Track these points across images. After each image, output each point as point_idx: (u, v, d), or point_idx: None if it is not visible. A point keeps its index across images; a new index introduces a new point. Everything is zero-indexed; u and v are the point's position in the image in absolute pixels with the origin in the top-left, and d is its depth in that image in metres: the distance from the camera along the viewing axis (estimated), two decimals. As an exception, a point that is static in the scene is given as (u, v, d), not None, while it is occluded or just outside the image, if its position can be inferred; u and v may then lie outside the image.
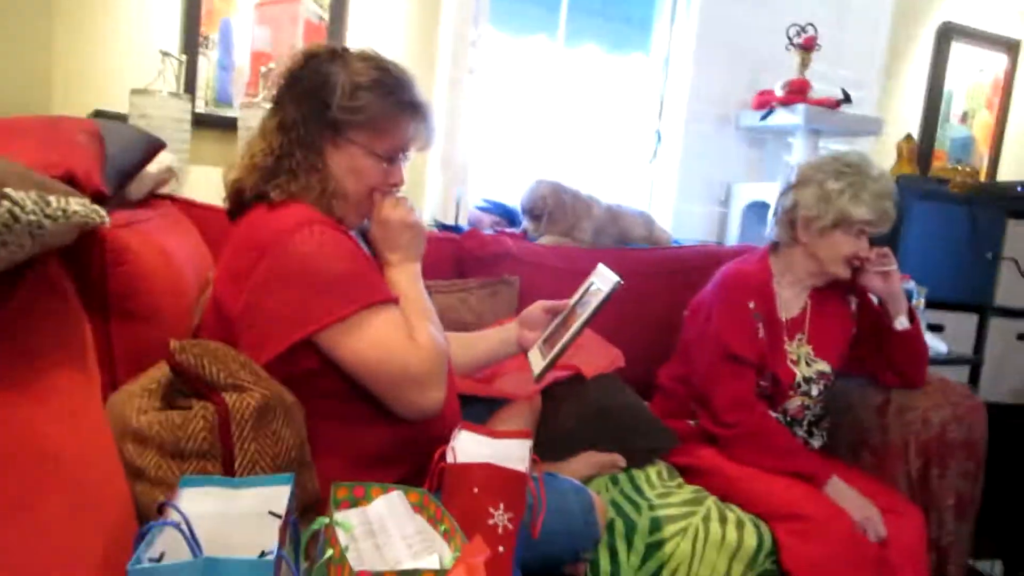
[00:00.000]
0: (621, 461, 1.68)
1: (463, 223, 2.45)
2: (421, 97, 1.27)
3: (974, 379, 2.87)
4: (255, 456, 0.97)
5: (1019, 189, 2.87)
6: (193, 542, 0.72)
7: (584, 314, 1.35)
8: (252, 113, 2.11)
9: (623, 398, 1.81)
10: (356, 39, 2.38)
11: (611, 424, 1.72)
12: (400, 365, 1.13)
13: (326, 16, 2.35)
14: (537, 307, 1.49)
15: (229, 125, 2.21)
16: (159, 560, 0.70)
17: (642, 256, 2.30)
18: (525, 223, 2.32)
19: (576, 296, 1.43)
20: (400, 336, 1.15)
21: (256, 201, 1.22)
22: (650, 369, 2.04)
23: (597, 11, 2.78)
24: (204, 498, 0.82)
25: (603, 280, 1.37)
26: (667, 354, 2.01)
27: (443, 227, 2.37)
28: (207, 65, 2.23)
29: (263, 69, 2.25)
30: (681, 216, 2.83)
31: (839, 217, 1.73)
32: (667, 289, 2.22)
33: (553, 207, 2.27)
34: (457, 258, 2.14)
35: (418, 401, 1.16)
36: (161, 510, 0.76)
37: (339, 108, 1.19)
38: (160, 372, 1.05)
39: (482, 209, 2.55)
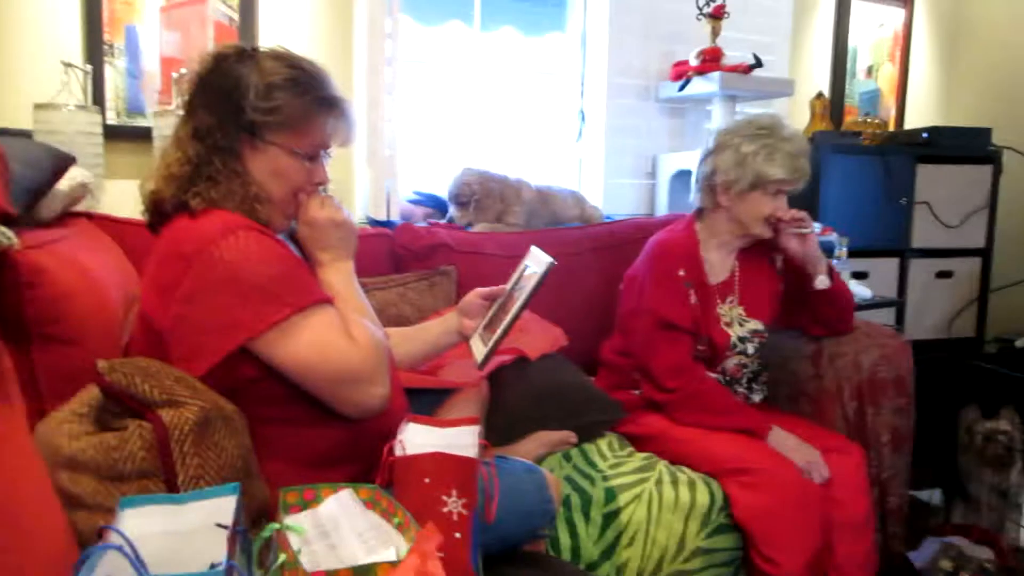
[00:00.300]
0: (572, 437, 1.71)
1: (395, 217, 2.44)
2: (337, 92, 1.25)
3: (899, 319, 3.00)
4: (198, 471, 0.95)
5: (924, 136, 3.00)
6: (138, 563, 0.71)
7: (521, 297, 1.36)
8: (167, 122, 2.05)
9: (568, 376, 1.83)
10: (268, 38, 2.33)
11: (558, 402, 1.74)
12: (340, 365, 1.12)
13: (236, 16, 2.29)
14: (475, 294, 1.49)
15: (144, 135, 2.14)
16: (103, 584, 0.68)
17: (575, 234, 2.32)
18: (452, 211, 2.32)
19: (512, 280, 1.44)
20: (337, 336, 1.13)
21: (177, 211, 1.18)
22: (593, 345, 2.07)
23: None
24: (147, 518, 0.80)
25: (537, 262, 1.39)
26: (608, 329, 2.05)
27: (375, 223, 2.35)
28: (114, 74, 2.15)
29: (175, 75, 2.19)
30: (610, 191, 2.87)
31: (755, 179, 1.77)
32: (602, 265, 2.25)
33: (480, 194, 2.27)
34: (392, 253, 2.13)
35: (362, 399, 1.15)
36: (101, 535, 0.74)
37: (254, 110, 1.17)
38: (90, 395, 1.02)
39: (413, 202, 2.53)
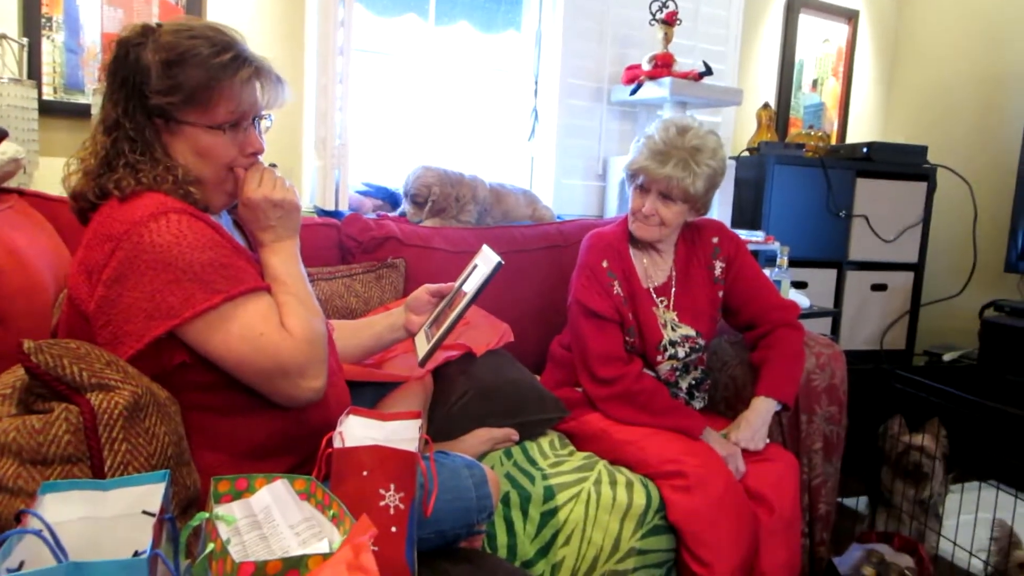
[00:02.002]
0: (514, 435, 1.71)
1: (344, 208, 2.40)
2: (245, 53, 1.18)
3: (835, 329, 3.10)
4: (127, 457, 0.92)
5: (864, 151, 3.10)
6: (57, 548, 0.68)
7: (468, 294, 1.36)
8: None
9: (512, 373, 1.84)
10: (216, 18, 2.28)
11: (502, 399, 1.74)
12: (271, 356, 1.09)
13: (182, -9, 2.23)
14: (423, 291, 1.48)
15: (82, 112, 2.07)
16: (18, 569, 0.66)
17: (526, 233, 2.33)
18: (406, 208, 2.30)
19: (461, 278, 1.44)
20: (270, 326, 1.10)
21: (102, 199, 1.13)
22: (541, 342, 2.08)
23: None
24: (69, 503, 0.77)
25: (486, 261, 1.39)
26: (556, 327, 2.06)
27: (323, 213, 2.32)
28: (52, 49, 2.07)
29: (114, 53, 2.12)
30: (562, 192, 2.88)
31: (625, 170, 1.84)
32: (552, 263, 2.27)
33: (439, 196, 2.26)
34: (339, 244, 2.10)
35: (294, 392, 1.12)
36: (19, 519, 0.71)
37: (156, 93, 1.11)
38: (14, 376, 0.98)
39: (363, 193, 2.50)
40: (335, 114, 2.37)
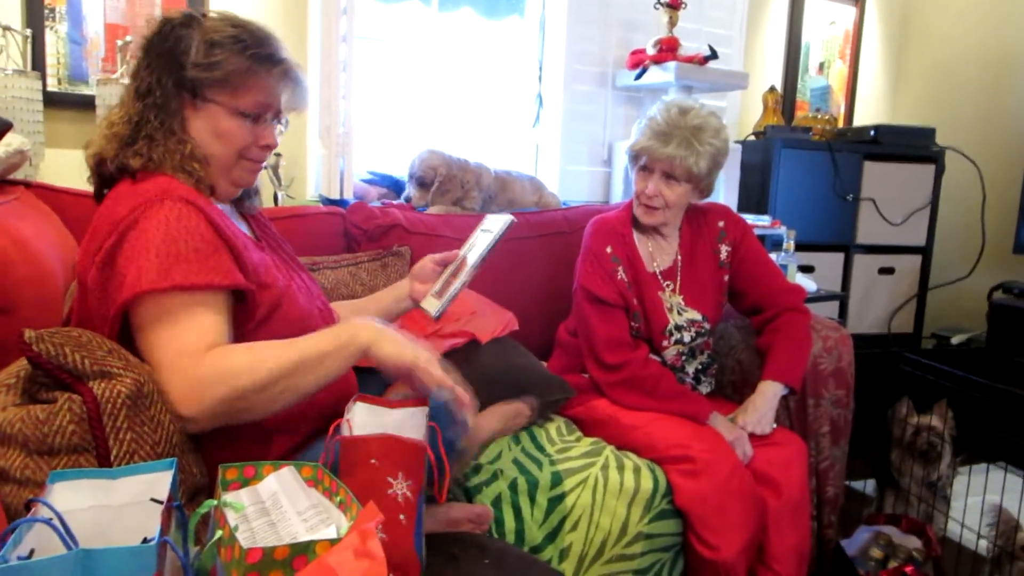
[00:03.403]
0: (524, 409, 1.71)
1: (349, 197, 2.40)
2: (283, 53, 1.23)
3: (842, 313, 3.09)
4: (132, 446, 0.92)
5: (871, 133, 3.07)
6: (67, 536, 0.69)
7: (479, 251, 1.36)
8: (110, 90, 1.99)
9: (517, 359, 1.83)
10: (220, 7, 2.27)
11: (508, 384, 1.74)
12: (164, 378, 1.02)
13: (187, -20, 2.23)
14: (428, 260, 1.49)
15: (86, 104, 2.07)
16: (29, 557, 0.66)
17: (531, 219, 2.32)
18: (411, 191, 2.29)
19: (466, 246, 1.44)
20: (198, 347, 1.03)
21: (119, 175, 1.17)
22: (549, 328, 2.08)
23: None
24: (78, 492, 0.78)
25: (493, 223, 1.39)
26: (564, 313, 2.06)
27: (328, 202, 2.32)
28: (56, 40, 2.07)
29: (120, 43, 2.12)
30: (567, 178, 2.87)
31: (627, 153, 1.83)
32: (557, 250, 2.26)
33: (444, 178, 2.25)
34: (345, 232, 2.10)
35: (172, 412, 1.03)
36: (29, 507, 0.72)
37: (194, 66, 1.15)
38: (19, 366, 0.98)
39: (368, 182, 2.50)
40: (339, 102, 2.36)
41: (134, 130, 1.16)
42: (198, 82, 1.16)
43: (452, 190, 2.27)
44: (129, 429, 0.93)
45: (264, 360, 1.03)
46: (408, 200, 2.29)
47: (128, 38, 2.14)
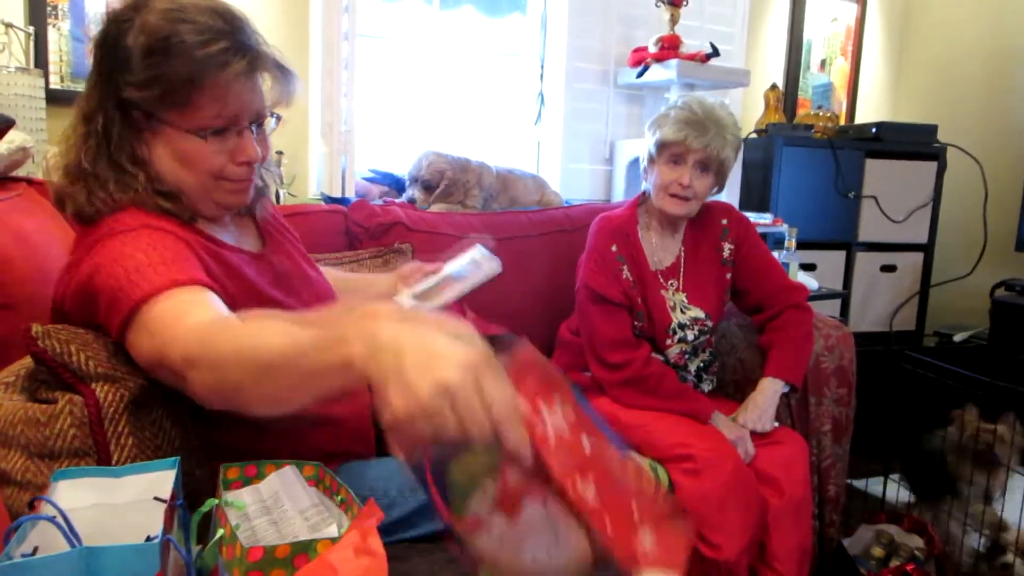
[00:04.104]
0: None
1: (350, 195, 2.40)
2: (242, 42, 0.98)
3: (844, 311, 3.09)
4: (133, 451, 0.91)
5: (873, 131, 3.07)
6: (71, 534, 0.69)
7: (460, 287, 1.35)
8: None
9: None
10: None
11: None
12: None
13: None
14: (415, 265, 1.46)
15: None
16: (32, 555, 0.67)
17: (533, 218, 2.32)
18: (415, 193, 2.29)
19: (455, 264, 1.43)
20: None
21: (83, 222, 1.02)
22: (551, 326, 2.08)
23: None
24: (81, 490, 0.78)
25: (485, 264, 1.37)
26: (566, 311, 2.06)
27: (330, 199, 2.32)
28: (58, 37, 2.08)
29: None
30: (568, 176, 2.87)
31: (654, 146, 1.82)
32: (560, 248, 2.26)
33: (449, 182, 2.25)
34: (346, 230, 2.10)
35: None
36: (33, 506, 0.72)
37: (132, 85, 0.96)
38: (21, 364, 0.98)
39: (369, 180, 2.50)
40: (341, 100, 2.37)
41: (89, 169, 1.00)
42: (141, 102, 0.97)
43: (455, 191, 2.28)
44: (131, 435, 0.92)
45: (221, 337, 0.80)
46: (411, 201, 2.29)
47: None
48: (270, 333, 0.75)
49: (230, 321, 0.84)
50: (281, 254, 1.24)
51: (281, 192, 2.28)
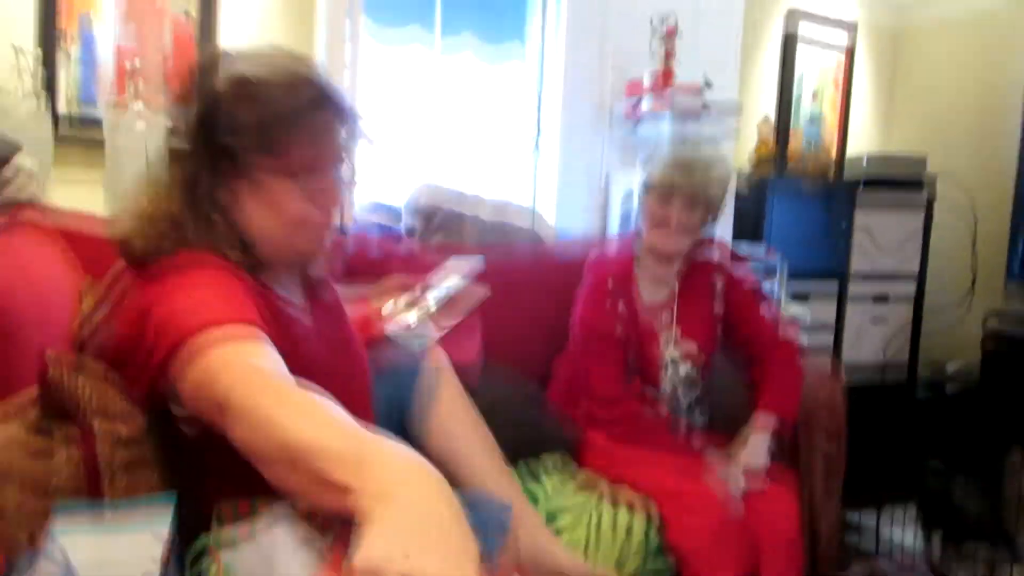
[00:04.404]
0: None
1: (349, 225, 2.43)
2: (324, 90, 1.04)
3: (836, 343, 3.10)
4: (128, 492, 0.92)
5: (863, 162, 3.11)
6: (69, 570, 0.71)
7: (439, 293, 1.37)
8: (118, 114, 2.03)
9: (524, 390, 1.84)
10: (228, 35, 2.32)
11: (512, 418, 1.72)
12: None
13: (195, 12, 2.27)
14: (400, 279, 1.49)
15: (95, 126, 2.09)
16: (32, 595, 0.69)
17: (527, 250, 2.35)
18: (413, 225, 2.32)
19: (438, 278, 1.45)
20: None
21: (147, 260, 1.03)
22: (544, 360, 2.10)
23: (472, 9, 2.78)
24: (79, 526, 0.80)
25: (458, 267, 1.40)
26: (559, 344, 2.08)
27: (328, 229, 2.34)
28: (67, 63, 2.11)
29: (128, 66, 2.16)
30: (563, 209, 2.90)
31: (643, 186, 1.87)
32: (554, 281, 2.27)
33: (445, 216, 2.29)
34: (344, 262, 2.12)
35: None
36: (32, 541, 0.74)
37: (224, 131, 1.00)
38: (25, 394, 0.99)
39: (368, 211, 2.53)
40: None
41: (157, 211, 1.02)
42: (231, 148, 1.00)
43: (451, 224, 2.31)
44: (126, 474, 0.93)
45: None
46: (409, 233, 2.32)
47: (137, 62, 2.18)
48: (308, 420, 0.76)
49: (279, 384, 0.84)
50: (324, 309, 1.24)
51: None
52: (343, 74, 2.40)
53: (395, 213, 2.52)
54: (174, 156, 1.04)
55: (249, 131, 0.99)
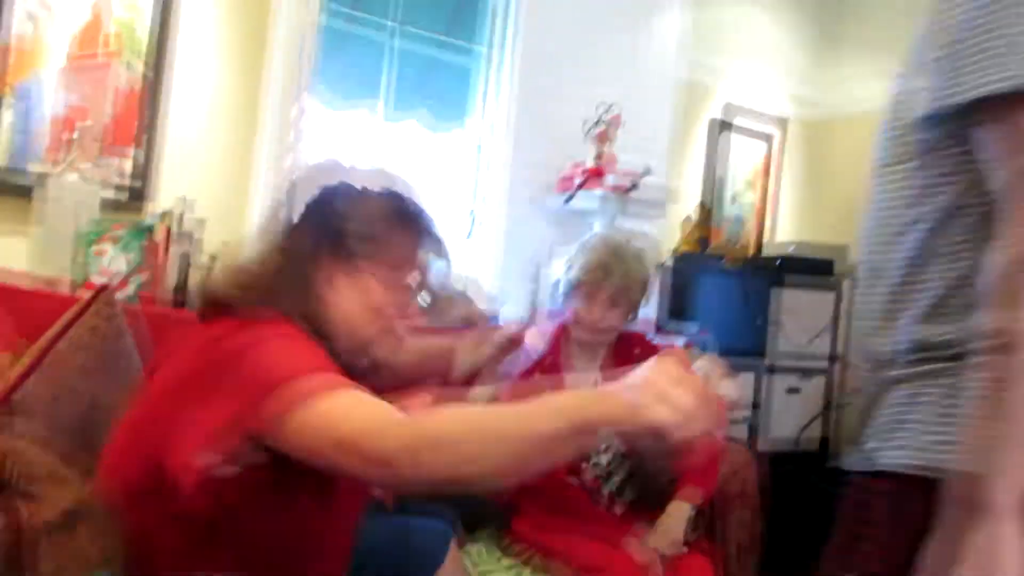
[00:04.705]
0: None
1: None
2: (433, 226, 1.22)
3: (753, 429, 3.20)
4: (54, 572, 0.91)
5: (778, 263, 3.30)
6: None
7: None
8: (54, 180, 2.02)
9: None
10: (176, 105, 2.35)
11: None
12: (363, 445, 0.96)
13: (141, 83, 2.29)
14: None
15: (23, 190, 2.07)
16: None
17: (457, 334, 2.37)
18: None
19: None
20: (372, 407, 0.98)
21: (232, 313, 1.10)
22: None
23: (419, 87, 2.89)
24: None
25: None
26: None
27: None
28: (1, 126, 2.08)
29: (68, 135, 2.16)
30: (499, 292, 2.94)
31: (567, 284, 1.96)
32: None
33: None
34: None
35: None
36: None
37: (355, 236, 1.14)
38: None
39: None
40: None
41: (269, 284, 1.11)
42: (355, 253, 1.15)
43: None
44: (52, 559, 0.92)
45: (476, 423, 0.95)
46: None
47: (78, 132, 2.18)
48: (492, 411, 0.95)
49: (438, 410, 0.96)
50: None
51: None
52: (289, 155, 2.44)
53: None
54: (284, 248, 1.15)
55: (362, 234, 1.15)
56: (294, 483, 1.04)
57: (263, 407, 0.95)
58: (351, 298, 1.16)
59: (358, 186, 1.18)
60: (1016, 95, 0.76)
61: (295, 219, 1.15)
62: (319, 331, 1.11)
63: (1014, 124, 0.79)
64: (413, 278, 1.22)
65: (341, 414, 0.94)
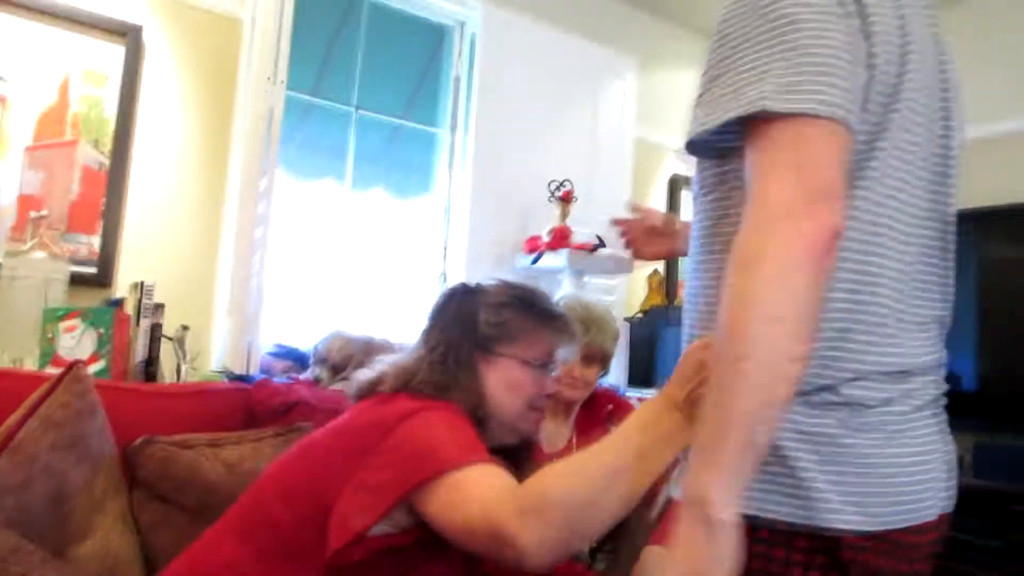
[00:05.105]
0: None
1: (255, 371, 2.43)
2: (558, 309, 1.41)
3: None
4: None
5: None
6: None
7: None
8: (18, 260, 2.02)
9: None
10: (139, 187, 2.37)
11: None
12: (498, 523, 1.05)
13: (106, 163, 2.32)
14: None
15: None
16: None
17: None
18: (321, 374, 2.32)
19: None
20: (499, 484, 1.10)
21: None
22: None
23: (383, 156, 2.97)
24: None
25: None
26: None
27: (233, 377, 2.33)
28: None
29: (33, 215, 2.16)
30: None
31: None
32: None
33: (357, 363, 2.30)
34: (247, 409, 2.11)
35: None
36: None
37: (486, 324, 1.31)
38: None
39: (273, 355, 2.54)
40: (252, 281, 2.45)
41: (428, 370, 1.27)
42: (490, 339, 1.31)
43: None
44: None
45: (578, 475, 1.02)
46: (316, 380, 2.33)
47: (44, 212, 2.19)
48: (585, 455, 1.03)
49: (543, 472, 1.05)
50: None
51: (183, 367, 2.29)
52: (255, 229, 2.47)
53: (298, 356, 2.53)
54: (433, 351, 1.30)
55: (506, 328, 1.32)
56: (433, 555, 1.17)
57: (414, 475, 1.07)
58: (497, 382, 1.30)
59: (484, 287, 1.37)
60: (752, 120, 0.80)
61: (439, 325, 1.33)
62: (476, 415, 1.25)
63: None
64: (549, 357, 1.36)
65: (476, 493, 1.05)
